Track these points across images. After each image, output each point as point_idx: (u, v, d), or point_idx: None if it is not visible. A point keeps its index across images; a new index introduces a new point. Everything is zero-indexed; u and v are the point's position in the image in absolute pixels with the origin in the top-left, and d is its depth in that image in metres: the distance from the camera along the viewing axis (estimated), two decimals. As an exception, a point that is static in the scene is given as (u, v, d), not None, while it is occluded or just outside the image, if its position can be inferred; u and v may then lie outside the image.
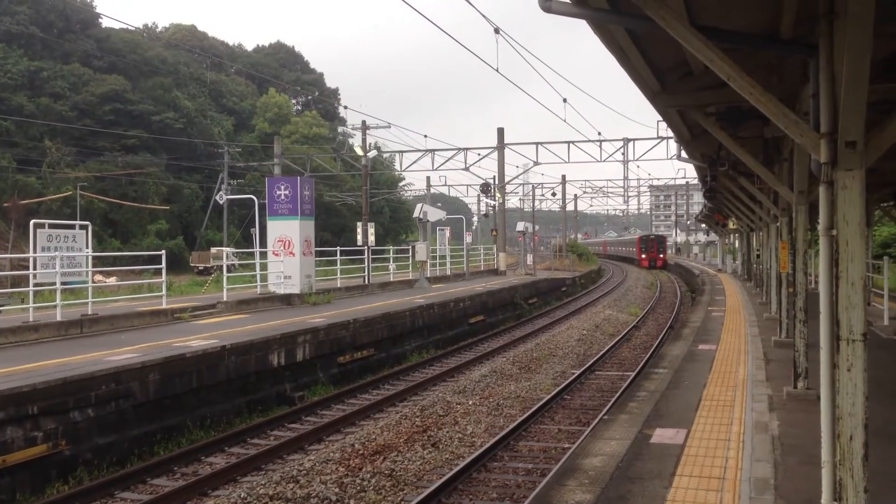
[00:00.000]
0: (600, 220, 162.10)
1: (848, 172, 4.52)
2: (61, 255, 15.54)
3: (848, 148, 4.49)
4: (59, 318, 15.01)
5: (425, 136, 44.82)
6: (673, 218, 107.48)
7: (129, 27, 60.29)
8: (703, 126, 10.38)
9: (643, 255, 71.30)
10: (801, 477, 6.35)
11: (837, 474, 4.58)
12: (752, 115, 9.00)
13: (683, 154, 17.85)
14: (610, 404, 12.66)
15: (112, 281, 33.76)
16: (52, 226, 16.22)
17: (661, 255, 71.01)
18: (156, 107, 64.12)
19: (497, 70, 19.48)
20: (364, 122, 31.64)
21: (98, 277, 33.40)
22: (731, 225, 36.69)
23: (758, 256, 28.02)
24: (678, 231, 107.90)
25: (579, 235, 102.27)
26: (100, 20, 68.34)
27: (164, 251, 18.98)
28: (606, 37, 6.79)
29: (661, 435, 7.94)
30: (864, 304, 4.60)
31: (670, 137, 31.07)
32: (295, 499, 8.74)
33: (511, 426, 11.69)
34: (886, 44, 6.90)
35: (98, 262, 32.96)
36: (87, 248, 16.73)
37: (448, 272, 37.30)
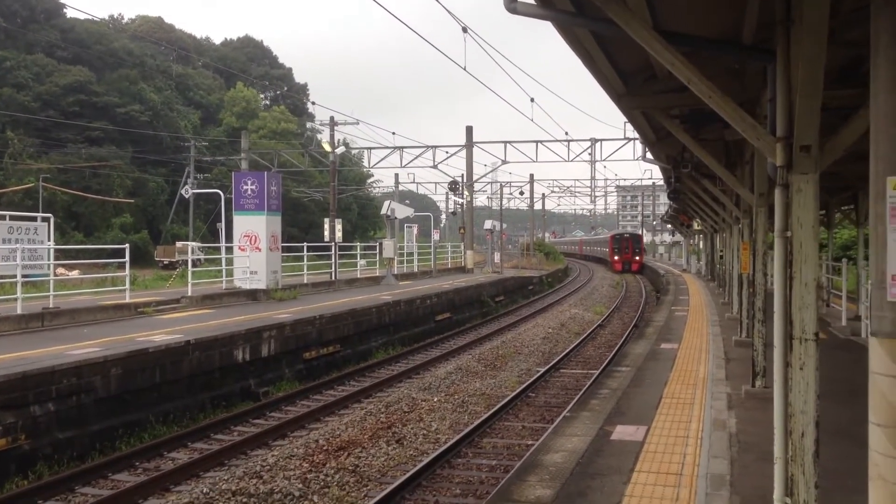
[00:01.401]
0: (567, 219, 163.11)
1: (803, 176, 4.63)
2: (22, 247, 15.33)
3: (803, 152, 4.60)
4: (19, 312, 14.79)
5: (393, 134, 44.97)
6: (639, 218, 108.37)
7: (95, 18, 59.22)
8: (667, 128, 10.53)
9: (615, 258, 63.01)
10: (756, 473, 6.49)
11: (789, 470, 4.69)
12: (715, 118, 9.12)
13: (649, 155, 18.06)
14: (573, 402, 12.79)
15: (75, 274, 33.19)
16: (12, 217, 16.02)
17: (637, 258, 62.49)
18: (121, 99, 63.33)
19: (465, 69, 19.61)
20: (332, 118, 31.55)
21: (61, 270, 32.88)
22: (695, 226, 37.16)
23: (721, 257, 28.41)
24: (644, 231, 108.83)
25: (547, 235, 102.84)
26: (64, 10, 67.30)
27: (127, 245, 18.77)
28: (572, 39, 6.87)
29: (622, 432, 8.06)
30: (817, 304, 4.72)
31: (637, 138, 31.37)
32: (258, 494, 8.72)
33: (475, 423, 11.76)
34: (845, 51, 7.07)
35: (61, 254, 32.51)
36: (48, 240, 16.53)
37: (415, 269, 37.34)
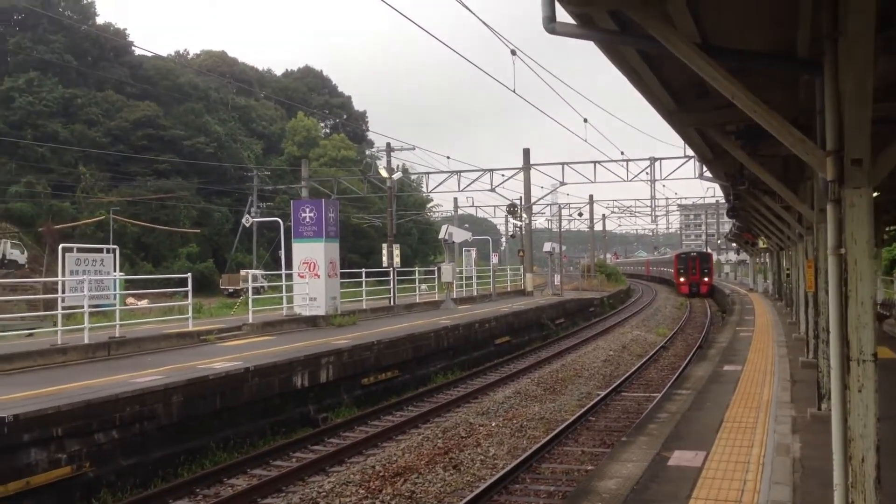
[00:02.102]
0: (629, 239, 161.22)
1: (855, 191, 4.48)
2: (89, 278, 15.79)
3: (854, 165, 4.45)
4: (86, 341, 15.22)
5: (448, 158, 45.01)
6: (703, 237, 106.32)
7: (161, 55, 61.39)
8: (722, 145, 10.31)
9: (681, 279, 57.05)
10: (820, 500, 6.24)
11: (850, 497, 4.49)
12: (770, 133, 8.94)
13: (707, 173, 17.72)
14: (634, 426, 12.54)
15: (143, 303, 34.17)
16: (80, 249, 16.52)
17: (706, 279, 56.50)
18: (187, 132, 65.23)
19: (514, 91, 19.61)
20: (388, 144, 31.90)
21: (130, 300, 33.85)
22: (760, 244, 36.29)
23: (787, 275, 27.66)
24: (709, 250, 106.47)
25: (609, 255, 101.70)
26: (133, 48, 69.78)
27: (190, 274, 19.22)
28: (616, 57, 6.80)
29: (680, 457, 7.85)
30: (874, 323, 4.53)
31: (695, 156, 30.87)
32: (313, 521, 8.74)
33: (534, 448, 11.61)
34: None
35: (130, 284, 33.42)
36: (114, 270, 16.99)
37: (475, 293, 37.26)
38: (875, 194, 7.37)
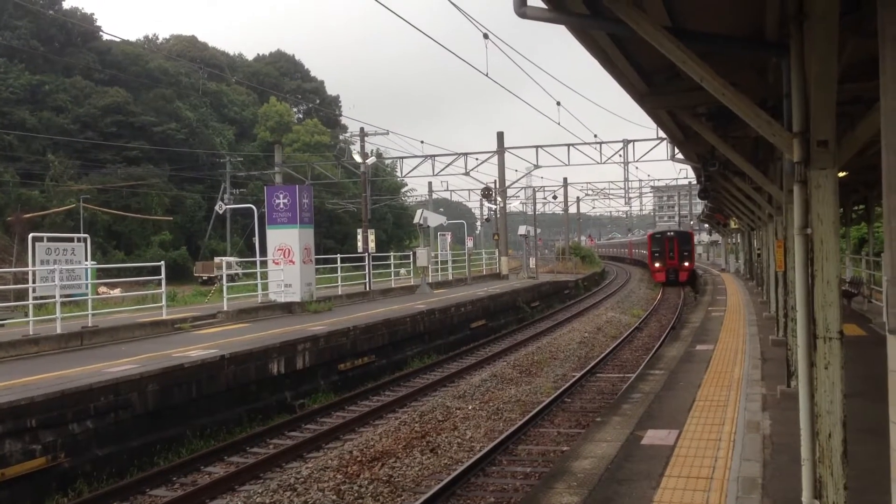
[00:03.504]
0: (604, 222, 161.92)
1: (821, 171, 4.55)
2: (60, 267, 15.62)
3: (820, 147, 4.52)
4: (58, 331, 15.07)
5: (422, 142, 44.94)
6: (676, 218, 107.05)
7: (130, 40, 60.52)
8: (693, 127, 10.40)
9: (656, 265, 47.51)
10: (790, 475, 6.35)
11: (817, 472, 4.60)
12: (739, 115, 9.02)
13: (679, 155, 17.87)
14: (608, 407, 12.68)
15: (116, 292, 33.87)
16: (50, 239, 16.34)
17: (686, 264, 46.88)
18: (157, 118, 64.45)
19: (487, 75, 19.62)
20: (362, 129, 31.74)
21: (102, 289, 33.50)
22: (732, 224, 36.67)
23: (758, 255, 28.00)
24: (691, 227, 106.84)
25: (583, 238, 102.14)
26: (100, 33, 68.67)
27: (163, 262, 19.04)
28: (588, 41, 6.83)
29: (653, 436, 7.97)
30: (841, 301, 4.62)
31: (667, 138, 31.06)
32: (291, 506, 8.77)
33: (510, 430, 11.71)
34: (871, 43, 6.93)
35: (103, 273, 33.10)
36: (86, 260, 16.82)
37: (450, 277, 37.34)
38: (842, 174, 7.48)
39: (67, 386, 10.39)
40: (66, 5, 69.99)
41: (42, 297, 16.48)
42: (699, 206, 76.74)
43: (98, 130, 60.73)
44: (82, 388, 10.48)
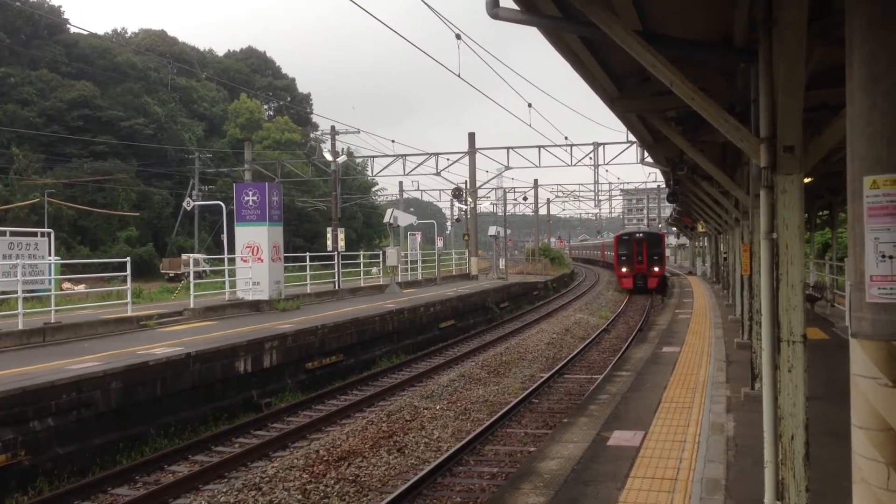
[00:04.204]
0: (573, 223, 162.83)
1: (787, 177, 4.60)
2: (22, 262, 15.36)
3: (786, 152, 4.58)
4: (20, 327, 14.82)
5: (393, 142, 44.99)
6: (645, 221, 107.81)
7: (98, 33, 59.61)
8: (663, 131, 10.48)
9: (623, 269, 42.94)
10: (752, 477, 6.43)
11: (780, 474, 4.65)
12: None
13: (649, 158, 18.01)
14: (575, 408, 12.74)
15: (81, 288, 33.33)
16: (13, 233, 16.07)
17: (657, 269, 42.10)
18: (125, 113, 63.59)
19: (459, 76, 19.65)
20: (333, 127, 31.61)
21: (66, 285, 32.97)
22: (700, 228, 37.05)
23: (725, 259, 28.33)
24: (661, 228, 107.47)
25: (553, 240, 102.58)
26: (68, 26, 67.62)
27: (129, 258, 18.82)
28: (559, 43, 6.84)
29: (619, 437, 8.01)
30: (805, 305, 4.68)
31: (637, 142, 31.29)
32: (256, 506, 8.70)
33: (477, 430, 11.71)
34: (839, 49, 7.02)
35: (67, 269, 32.61)
36: (49, 255, 16.57)
37: (420, 277, 37.30)
38: (808, 180, 7.58)
39: (28, 383, 10.22)
40: (32, -4, 68.83)
41: (3, 293, 16.21)
42: (668, 210, 77.28)
43: (64, 124, 59.77)
44: (44, 385, 10.31)
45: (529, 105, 29.29)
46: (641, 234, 44.62)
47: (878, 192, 3.26)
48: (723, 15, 6.63)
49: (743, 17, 6.36)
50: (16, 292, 15.31)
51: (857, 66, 3.36)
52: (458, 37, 16.85)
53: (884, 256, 3.25)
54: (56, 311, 16.45)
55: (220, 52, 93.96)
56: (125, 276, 18.63)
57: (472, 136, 43.19)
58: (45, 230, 17.10)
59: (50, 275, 16.93)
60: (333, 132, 31.75)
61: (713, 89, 8.00)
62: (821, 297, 20.61)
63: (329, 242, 29.64)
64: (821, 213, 24.40)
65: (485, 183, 49.76)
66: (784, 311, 4.62)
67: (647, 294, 38.80)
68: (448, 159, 43.05)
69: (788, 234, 4.57)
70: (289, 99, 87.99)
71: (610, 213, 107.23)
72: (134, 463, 10.82)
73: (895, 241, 3.23)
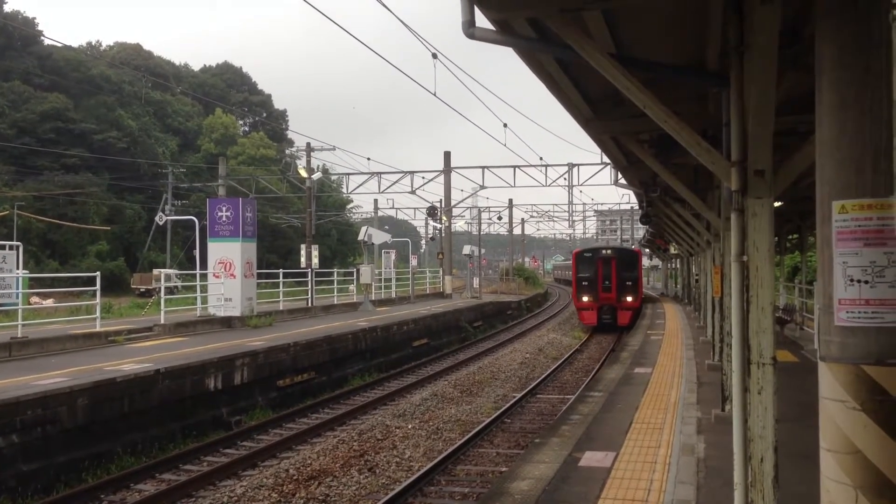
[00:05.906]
0: (548, 244, 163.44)
1: (758, 200, 4.65)
2: (-10, 276, 15.13)
3: (757, 176, 4.63)
4: (-15, 342, 14.58)
5: (368, 159, 44.85)
6: (618, 242, 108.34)
7: (72, 45, 59.11)
8: (636, 154, 10.57)
9: (584, 298, 32.06)
10: (722, 499, 6.45)
11: (749, 496, 4.67)
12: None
13: (622, 180, 18.16)
14: (547, 428, 12.73)
15: (49, 303, 32.87)
16: (-20, 246, 15.81)
17: (629, 298, 31.47)
18: (98, 126, 62.96)
19: (434, 94, 19.73)
20: (308, 143, 31.54)
21: (34, 299, 32.50)
22: (672, 250, 37.33)
23: (696, 281, 28.53)
24: (634, 247, 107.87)
25: (527, 259, 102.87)
26: (42, 38, 66.97)
27: (98, 272, 18.58)
28: (535, 64, 6.89)
29: (591, 458, 8.01)
30: (774, 328, 4.72)
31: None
32: (224, 526, 8.57)
33: (449, 450, 11.66)
34: (810, 76, 7.14)
35: (35, 283, 32.13)
36: (18, 268, 16.33)
37: (393, 295, 37.20)
38: (778, 204, 7.67)
39: (-8, 399, 10.03)
40: (7, 8, 68.17)
41: (-31, 306, 15.94)
42: (641, 231, 77.76)
43: (35, 136, 59.05)
44: (8, 401, 10.13)
45: (505, 125, 29.43)
46: (610, 251, 33.58)
47: (846, 216, 3.30)
48: (696, 39, 6.72)
49: (716, 41, 6.45)
50: (-18, 306, 15.07)
51: (826, 93, 3.42)
52: (434, 56, 16.93)
53: (852, 280, 3.29)
54: (23, 325, 16.20)
55: (196, 66, 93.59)
56: (95, 291, 18.38)
57: (447, 155, 43.34)
58: (14, 243, 16.86)
59: (18, 289, 16.66)
60: (309, 149, 31.69)
61: (686, 113, 8.07)
62: (790, 320, 20.83)
63: (303, 259, 29.48)
64: (790, 237, 24.75)
65: (460, 202, 49.86)
66: (754, 334, 4.65)
67: (616, 332, 30.23)
68: (423, 178, 43.12)
69: (759, 256, 4.62)
70: (264, 115, 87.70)
71: (584, 233, 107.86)
72: (100, 481, 10.64)
73: (863, 265, 3.27)
